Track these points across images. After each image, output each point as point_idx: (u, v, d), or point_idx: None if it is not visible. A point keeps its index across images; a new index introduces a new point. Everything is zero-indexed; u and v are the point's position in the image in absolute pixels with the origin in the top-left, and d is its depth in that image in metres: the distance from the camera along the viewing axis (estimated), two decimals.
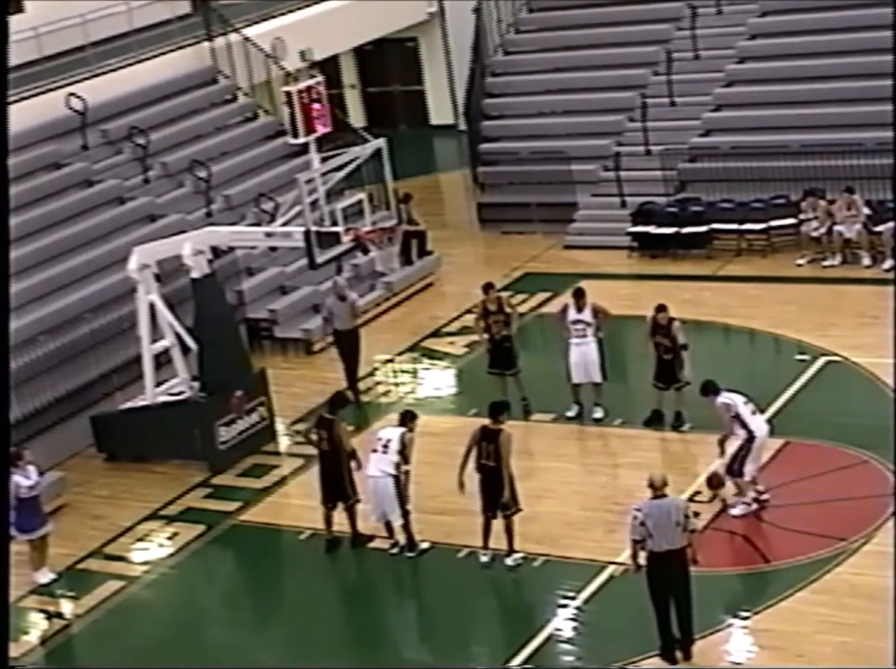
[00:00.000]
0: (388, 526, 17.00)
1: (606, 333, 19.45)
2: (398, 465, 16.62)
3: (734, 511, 16.73)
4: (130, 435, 20.37)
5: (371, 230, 20.01)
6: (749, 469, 16.58)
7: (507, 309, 20.08)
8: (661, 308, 18.85)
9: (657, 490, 14.01)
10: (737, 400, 16.59)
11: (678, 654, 14.23)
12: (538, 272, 25.60)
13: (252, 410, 20.12)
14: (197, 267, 19.61)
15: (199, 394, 19.96)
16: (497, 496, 16.14)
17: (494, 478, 16.08)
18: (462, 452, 16.32)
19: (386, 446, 16.68)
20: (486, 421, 16.31)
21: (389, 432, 16.91)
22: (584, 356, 19.34)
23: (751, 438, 16.49)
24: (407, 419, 17.04)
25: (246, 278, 24.09)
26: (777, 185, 25.02)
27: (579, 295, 19.46)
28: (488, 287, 20.17)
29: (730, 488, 16.86)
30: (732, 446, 16.71)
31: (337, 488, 17.12)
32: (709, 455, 17.74)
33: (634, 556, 14.23)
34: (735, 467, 16.61)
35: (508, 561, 16.38)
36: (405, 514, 16.77)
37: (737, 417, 16.51)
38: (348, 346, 21.55)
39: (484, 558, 16.48)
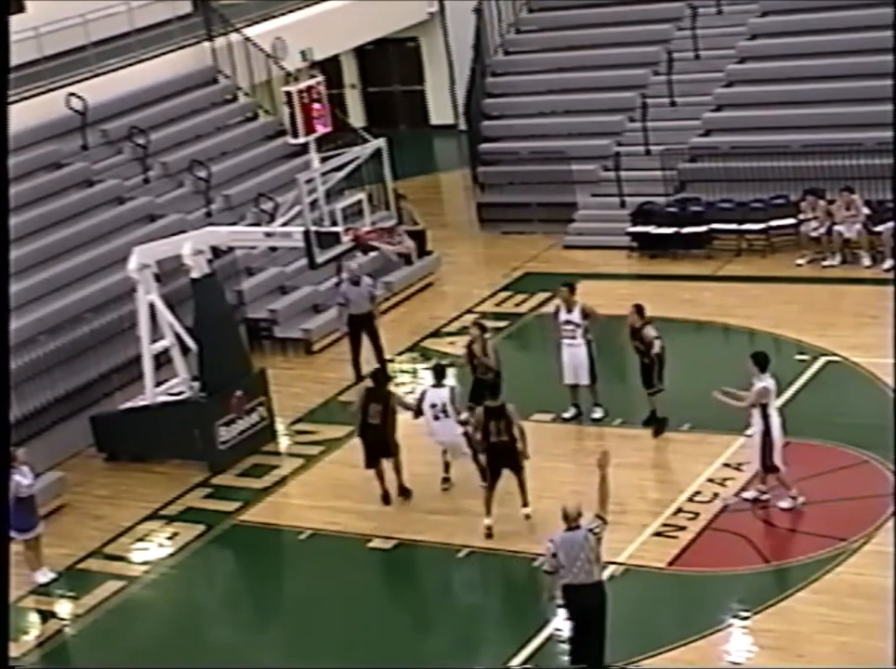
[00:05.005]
0: (447, 465, 18.00)
1: (596, 334, 19.33)
2: (462, 423, 17.28)
3: (782, 504, 16.63)
4: (130, 435, 20.37)
5: (370, 230, 19.99)
6: (779, 461, 16.44)
7: (487, 357, 18.92)
8: (635, 309, 18.63)
9: (571, 521, 13.57)
10: (773, 392, 16.42)
11: None
12: (538, 272, 25.58)
13: (252, 410, 20.12)
14: (197, 267, 19.61)
15: (199, 394, 19.95)
16: (515, 463, 16.70)
17: (512, 450, 16.59)
18: (475, 437, 16.89)
19: (443, 411, 17.27)
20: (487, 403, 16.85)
21: (436, 395, 17.42)
22: (573, 358, 19.27)
23: (768, 430, 16.36)
24: (442, 374, 17.65)
25: (246, 278, 24.08)
26: (777, 185, 25.01)
27: (569, 291, 19.28)
28: (481, 328, 19.34)
29: (769, 481, 16.78)
30: (755, 446, 16.61)
31: (382, 452, 17.87)
32: (709, 455, 17.75)
33: (550, 586, 13.87)
34: (769, 463, 16.47)
35: (526, 511, 16.84)
36: (476, 454, 17.26)
37: (765, 407, 16.33)
38: (366, 329, 21.77)
39: (487, 521, 16.76)
